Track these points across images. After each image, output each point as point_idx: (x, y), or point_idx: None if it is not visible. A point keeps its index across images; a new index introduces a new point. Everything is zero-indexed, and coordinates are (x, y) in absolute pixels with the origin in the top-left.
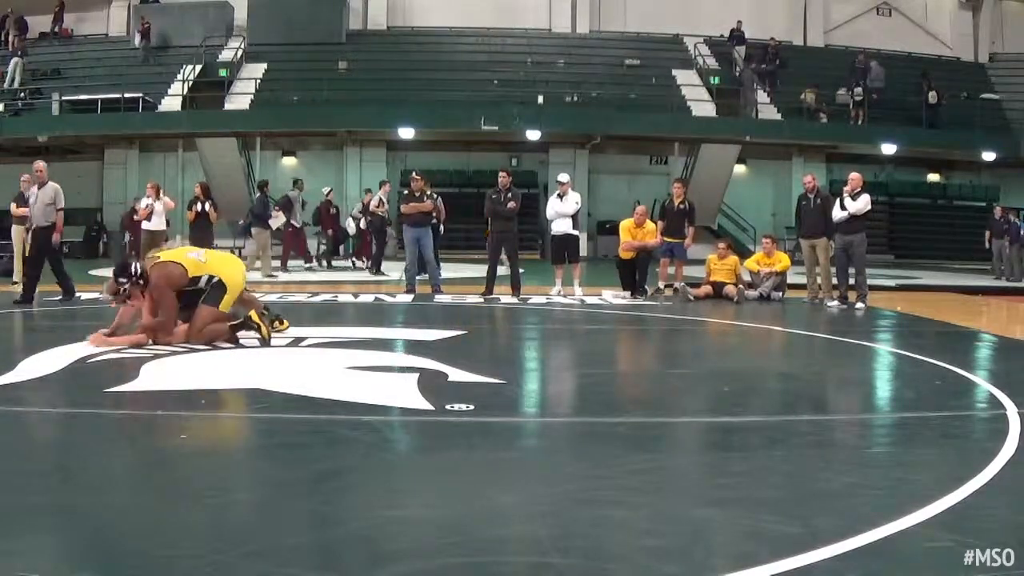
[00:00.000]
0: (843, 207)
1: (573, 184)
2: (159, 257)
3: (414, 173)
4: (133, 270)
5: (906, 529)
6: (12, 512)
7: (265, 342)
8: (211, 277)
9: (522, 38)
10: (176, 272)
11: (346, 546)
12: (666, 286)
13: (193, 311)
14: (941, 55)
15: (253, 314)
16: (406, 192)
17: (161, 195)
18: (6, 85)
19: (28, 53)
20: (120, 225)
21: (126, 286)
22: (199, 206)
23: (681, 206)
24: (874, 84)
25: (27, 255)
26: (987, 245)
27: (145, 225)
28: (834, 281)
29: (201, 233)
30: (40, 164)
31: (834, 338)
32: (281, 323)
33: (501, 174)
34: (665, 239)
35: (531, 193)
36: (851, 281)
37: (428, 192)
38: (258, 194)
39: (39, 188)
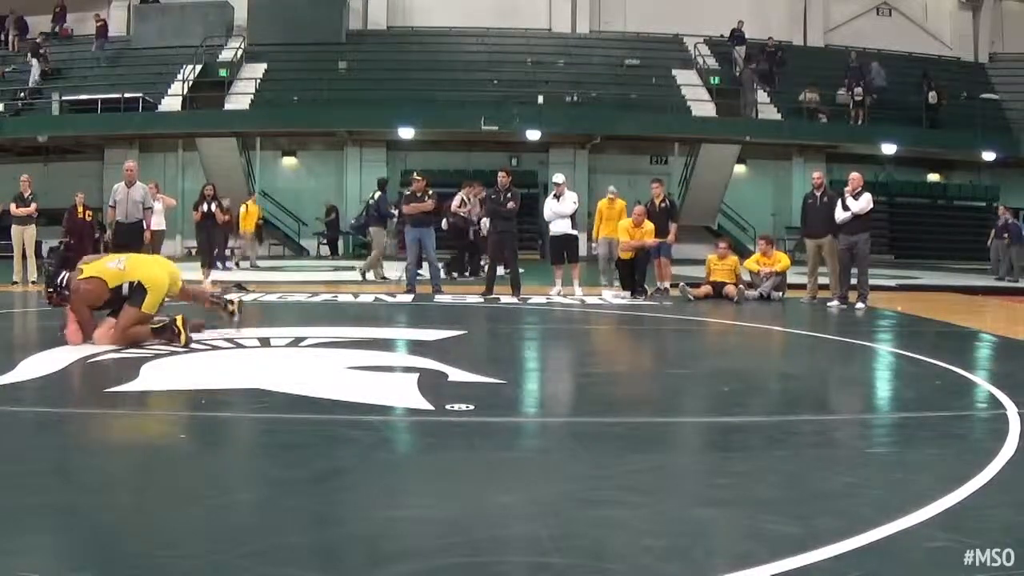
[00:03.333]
0: (845, 207)
1: (573, 184)
2: (82, 271)
3: (415, 173)
4: (58, 281)
5: (906, 529)
6: (12, 512)
7: (185, 345)
8: (132, 283)
9: (522, 38)
10: (95, 290)
11: (346, 546)
12: (672, 285)
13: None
14: (941, 55)
15: (178, 319)
16: (407, 192)
17: (158, 194)
18: (30, 84)
19: (42, 54)
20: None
21: (53, 295)
22: (205, 206)
23: (663, 205)
24: (875, 83)
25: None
26: (988, 244)
27: None
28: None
29: (207, 233)
30: (130, 163)
31: (834, 338)
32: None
33: (500, 174)
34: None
35: (531, 193)
36: (852, 281)
37: (430, 192)
38: (378, 193)
39: (128, 187)
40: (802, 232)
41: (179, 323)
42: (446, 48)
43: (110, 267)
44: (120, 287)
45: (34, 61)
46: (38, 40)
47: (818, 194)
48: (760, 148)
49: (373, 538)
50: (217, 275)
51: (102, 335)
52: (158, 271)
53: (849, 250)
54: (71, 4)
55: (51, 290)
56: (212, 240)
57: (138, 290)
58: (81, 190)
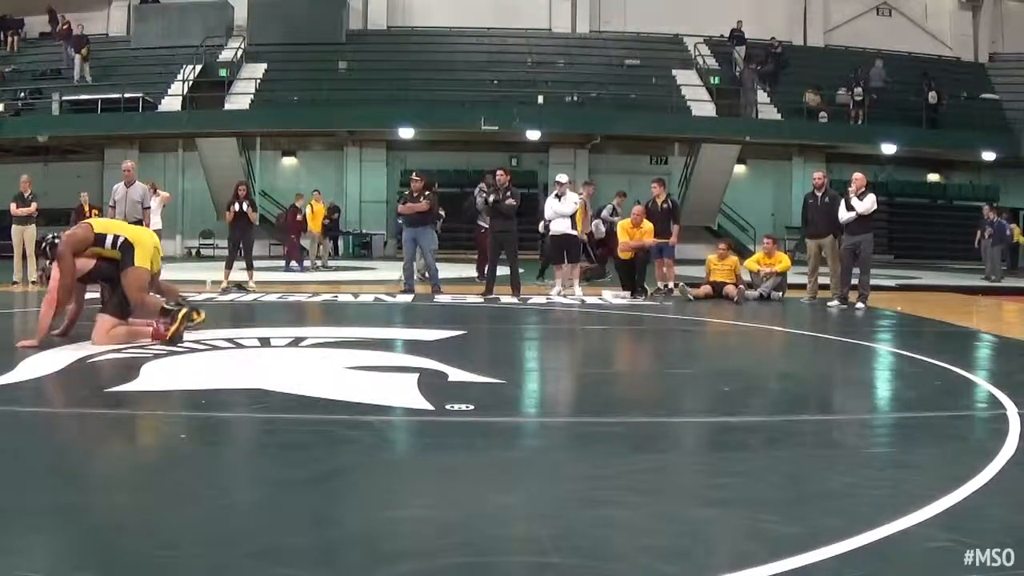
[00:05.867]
0: (849, 207)
1: (573, 184)
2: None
3: (414, 174)
4: (46, 246)
5: (906, 529)
6: (12, 512)
7: (164, 342)
8: (116, 237)
9: (522, 38)
10: (80, 232)
11: (346, 546)
12: (665, 286)
13: (113, 284)
14: (941, 55)
15: (181, 313)
16: (405, 192)
17: (157, 192)
18: (75, 81)
19: (84, 50)
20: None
21: (49, 260)
22: (237, 206)
23: (664, 205)
24: (872, 83)
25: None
26: (976, 245)
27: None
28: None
29: (240, 234)
30: (128, 163)
31: (834, 338)
32: (199, 315)
33: (499, 172)
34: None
35: (531, 193)
36: (852, 281)
37: (427, 193)
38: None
39: (127, 186)
40: (803, 232)
41: (180, 316)
42: (446, 48)
43: (100, 219)
44: (104, 237)
45: (77, 58)
46: (82, 34)
47: (819, 194)
48: (760, 148)
49: (373, 538)
50: (282, 275)
51: (101, 335)
52: (142, 230)
53: (852, 250)
54: (72, 4)
55: (45, 246)
56: (245, 241)
57: (126, 248)
58: (83, 190)
